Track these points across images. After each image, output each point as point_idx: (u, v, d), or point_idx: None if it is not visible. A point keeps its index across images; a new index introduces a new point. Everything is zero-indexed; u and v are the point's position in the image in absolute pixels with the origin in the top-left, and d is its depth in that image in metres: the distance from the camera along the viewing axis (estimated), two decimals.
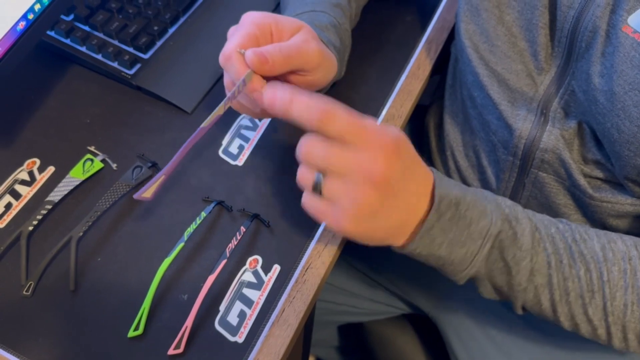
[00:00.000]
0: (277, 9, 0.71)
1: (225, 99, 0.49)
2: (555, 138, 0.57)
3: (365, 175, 0.43)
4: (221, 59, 0.51)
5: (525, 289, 0.49)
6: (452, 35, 0.73)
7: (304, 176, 0.46)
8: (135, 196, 0.51)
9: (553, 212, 0.62)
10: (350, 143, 0.43)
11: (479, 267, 0.48)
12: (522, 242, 0.48)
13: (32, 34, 0.54)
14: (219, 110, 0.50)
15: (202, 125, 0.50)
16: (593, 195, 0.57)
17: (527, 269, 0.48)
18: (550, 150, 0.58)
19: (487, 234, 0.47)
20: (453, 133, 0.70)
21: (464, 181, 0.70)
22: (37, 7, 0.54)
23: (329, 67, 0.54)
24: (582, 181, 0.57)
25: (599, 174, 0.57)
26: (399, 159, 0.44)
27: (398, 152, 0.44)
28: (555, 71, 0.57)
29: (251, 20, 0.52)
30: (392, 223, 0.46)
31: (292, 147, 0.61)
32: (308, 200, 0.46)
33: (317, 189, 0.45)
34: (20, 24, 0.52)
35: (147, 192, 0.51)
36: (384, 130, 0.45)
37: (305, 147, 0.44)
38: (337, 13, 0.60)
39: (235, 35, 0.51)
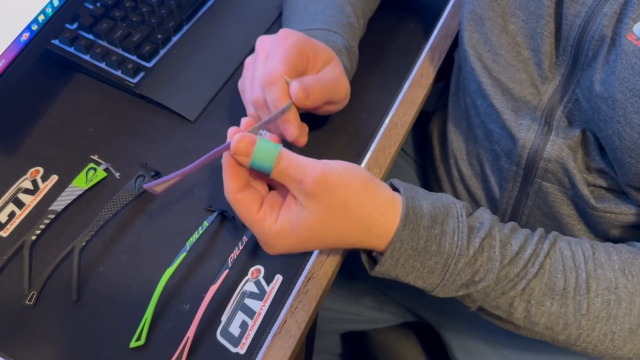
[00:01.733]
0: (279, 18, 0.71)
1: (262, 121, 0.50)
2: (559, 147, 0.57)
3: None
4: (265, 79, 0.51)
5: (491, 291, 0.49)
6: (455, 43, 0.73)
7: None
8: (146, 186, 0.50)
9: (557, 221, 0.62)
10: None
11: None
12: (487, 288, 0.48)
13: (36, 45, 0.54)
14: (253, 129, 0.49)
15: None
16: (596, 206, 0.57)
17: (499, 272, 0.48)
18: (554, 159, 0.58)
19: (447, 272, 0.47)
20: (456, 141, 0.70)
21: (468, 190, 0.70)
22: (41, 18, 0.54)
23: (348, 97, 0.58)
24: (586, 191, 0.57)
25: (602, 182, 0.56)
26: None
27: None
28: (559, 80, 0.57)
29: (293, 43, 0.53)
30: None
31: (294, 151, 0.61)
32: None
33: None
34: (24, 35, 0.52)
35: (158, 187, 0.50)
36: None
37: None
38: (349, 34, 0.61)
39: (279, 58, 0.52)
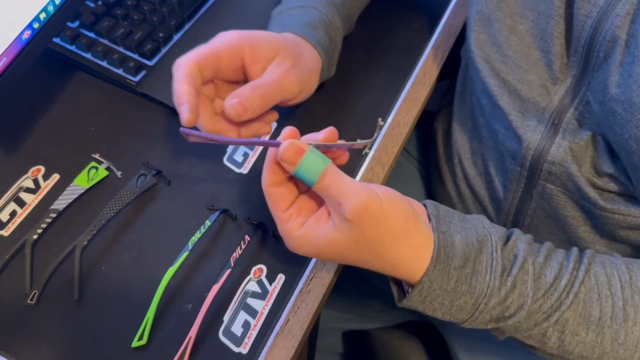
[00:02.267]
0: None
1: (326, 144, 0.46)
2: (564, 151, 0.56)
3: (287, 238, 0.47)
4: (175, 65, 0.50)
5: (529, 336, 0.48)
6: (458, 41, 0.72)
7: None
8: (182, 130, 0.46)
9: (561, 223, 0.61)
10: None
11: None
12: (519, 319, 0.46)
13: (38, 43, 0.54)
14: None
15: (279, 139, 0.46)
16: (604, 206, 0.56)
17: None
18: (558, 163, 0.57)
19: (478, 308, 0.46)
20: (461, 140, 0.70)
21: (472, 189, 0.69)
22: (43, 16, 0.53)
23: (310, 88, 0.56)
24: (592, 194, 0.56)
25: (612, 187, 0.55)
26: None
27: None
28: (570, 81, 0.56)
29: (224, 41, 0.51)
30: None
31: None
32: None
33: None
34: (25, 33, 0.52)
35: (194, 137, 0.46)
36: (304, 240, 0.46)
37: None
38: (330, 10, 0.59)
39: (195, 53, 0.50)
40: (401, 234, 0.44)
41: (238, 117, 0.50)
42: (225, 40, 0.51)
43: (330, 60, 0.59)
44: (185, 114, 0.48)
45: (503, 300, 0.45)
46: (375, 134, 0.53)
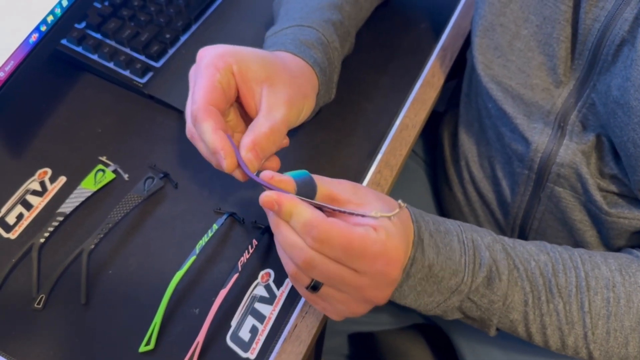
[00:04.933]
0: None
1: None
2: (572, 152, 0.56)
3: (366, 299, 0.44)
4: (192, 117, 0.46)
5: (498, 322, 0.50)
6: (467, 43, 0.72)
7: (300, 278, 0.43)
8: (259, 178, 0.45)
9: (568, 227, 0.61)
10: (350, 265, 0.42)
11: (445, 309, 0.49)
12: (496, 287, 0.48)
13: (45, 46, 0.54)
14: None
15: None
16: (609, 211, 0.56)
17: (499, 309, 0.49)
18: (567, 164, 0.57)
19: (457, 290, 0.47)
20: (468, 143, 0.69)
21: (479, 192, 0.69)
22: (50, 18, 0.53)
23: (307, 111, 0.51)
24: (598, 197, 0.56)
25: (615, 188, 0.56)
26: (393, 277, 0.43)
27: (395, 272, 0.43)
28: (574, 84, 0.56)
29: (211, 61, 0.47)
30: None
31: (304, 158, 0.60)
32: (299, 288, 0.46)
33: (312, 289, 0.44)
34: (33, 36, 0.52)
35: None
36: (381, 251, 0.42)
37: (306, 262, 0.41)
38: (327, 30, 0.56)
39: (200, 96, 0.46)
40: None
41: (258, 162, 0.47)
42: (211, 61, 0.47)
43: (329, 82, 0.56)
44: (223, 162, 0.46)
45: (489, 262, 0.48)
46: (397, 210, 0.44)
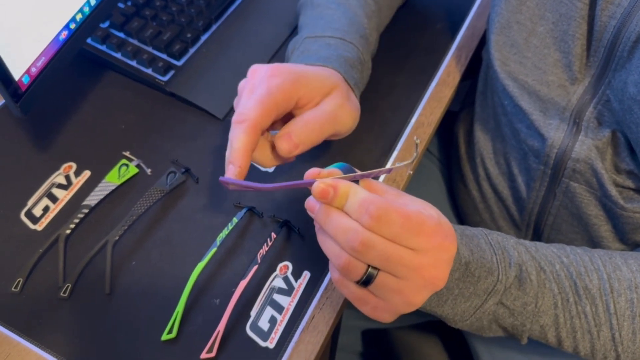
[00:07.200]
0: None
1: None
2: (588, 148, 0.57)
3: (426, 281, 0.42)
4: (236, 117, 0.47)
5: (530, 328, 0.49)
6: (482, 42, 0.73)
7: (354, 268, 0.41)
8: (222, 179, 0.47)
9: (583, 222, 0.62)
10: (408, 244, 0.41)
11: (480, 317, 0.47)
12: (528, 288, 0.47)
13: (74, 43, 0.55)
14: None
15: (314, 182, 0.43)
16: (625, 206, 0.57)
17: (532, 312, 0.48)
18: (583, 160, 0.57)
19: (493, 290, 0.46)
20: (483, 140, 0.70)
21: (494, 189, 0.70)
22: (79, 16, 0.55)
23: (356, 123, 0.54)
24: (614, 192, 0.57)
25: (631, 184, 0.56)
26: (452, 252, 0.43)
27: (453, 246, 0.43)
28: (589, 81, 0.56)
29: (279, 84, 0.49)
30: None
31: (319, 153, 0.62)
32: (348, 287, 0.44)
33: (366, 282, 0.42)
34: (62, 34, 0.54)
35: (233, 185, 0.47)
36: (437, 225, 0.42)
37: (363, 243, 0.40)
38: (363, 46, 0.58)
39: (256, 100, 0.47)
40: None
41: (289, 154, 0.49)
42: (280, 85, 0.49)
43: (358, 97, 0.58)
44: (232, 174, 0.47)
45: (518, 263, 0.47)
46: (415, 154, 0.46)
